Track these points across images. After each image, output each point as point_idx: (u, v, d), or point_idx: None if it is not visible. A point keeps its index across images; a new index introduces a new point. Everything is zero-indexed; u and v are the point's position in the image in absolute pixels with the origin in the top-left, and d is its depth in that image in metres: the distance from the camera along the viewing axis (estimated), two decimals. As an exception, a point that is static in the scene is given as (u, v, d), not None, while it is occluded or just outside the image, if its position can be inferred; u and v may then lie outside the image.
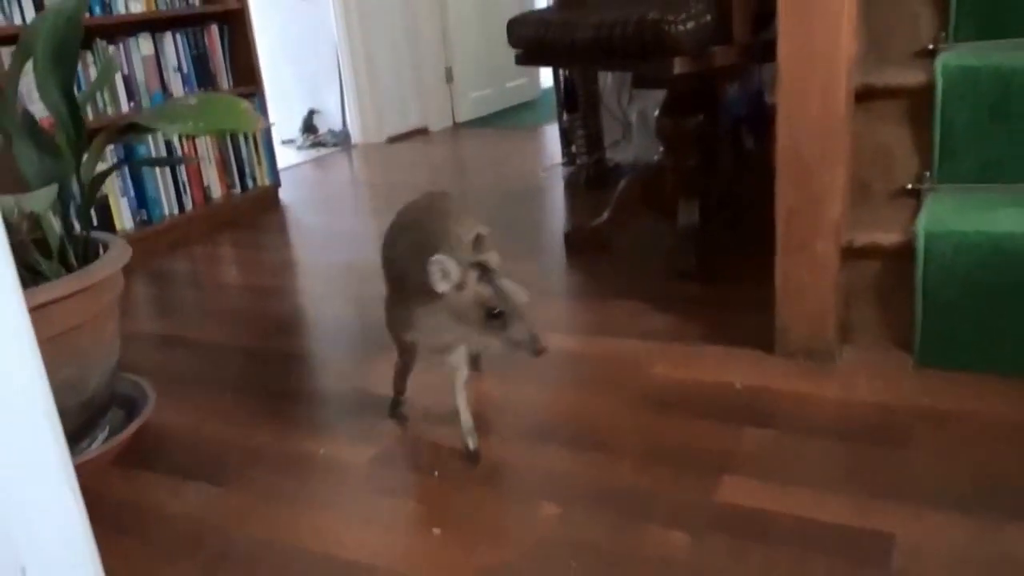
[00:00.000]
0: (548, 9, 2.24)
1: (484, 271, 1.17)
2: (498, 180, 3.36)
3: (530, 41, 2.14)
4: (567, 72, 2.84)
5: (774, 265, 1.53)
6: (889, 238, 1.50)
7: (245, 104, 1.36)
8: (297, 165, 3.98)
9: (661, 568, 1.07)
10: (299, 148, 4.35)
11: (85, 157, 1.45)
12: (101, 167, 1.56)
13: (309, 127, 4.44)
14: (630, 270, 2.16)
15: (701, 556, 1.08)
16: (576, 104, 2.84)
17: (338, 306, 2.19)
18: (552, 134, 4.10)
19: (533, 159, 3.74)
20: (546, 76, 4.98)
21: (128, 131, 1.49)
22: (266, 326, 2.07)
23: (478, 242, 1.21)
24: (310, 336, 2.07)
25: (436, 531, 1.19)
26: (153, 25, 2.96)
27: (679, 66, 1.79)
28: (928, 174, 1.59)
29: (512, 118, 4.55)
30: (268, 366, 1.83)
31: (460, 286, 1.17)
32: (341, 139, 4.31)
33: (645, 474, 1.27)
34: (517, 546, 1.14)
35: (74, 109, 1.43)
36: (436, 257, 1.14)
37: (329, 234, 2.95)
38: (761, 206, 1.56)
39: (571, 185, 2.97)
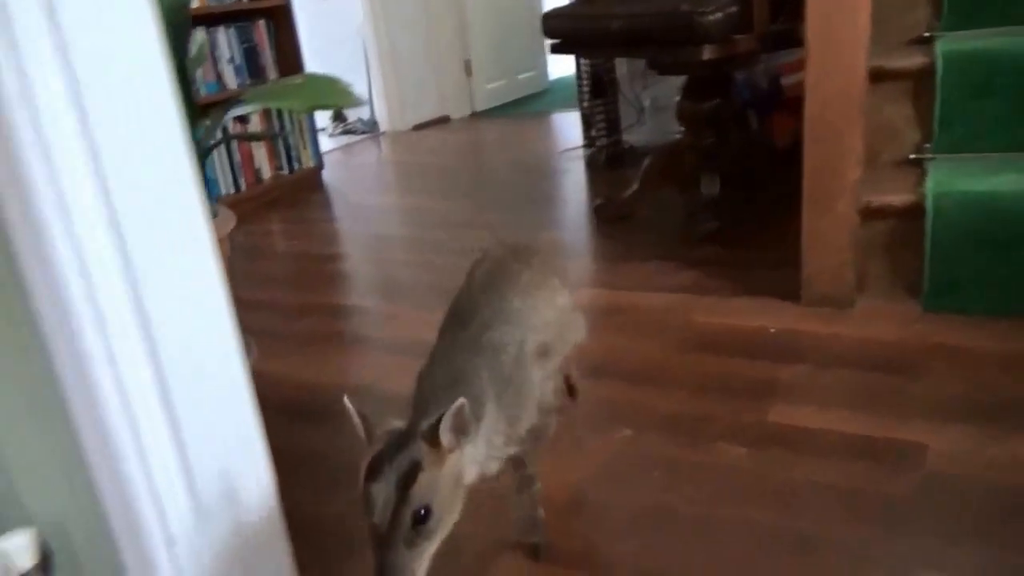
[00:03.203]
0: (578, 3, 2.30)
1: (373, 464, 0.76)
2: (520, 161, 3.42)
3: (565, 32, 2.21)
4: (587, 62, 2.90)
5: (788, 229, 1.62)
6: (900, 199, 1.59)
7: (342, 83, 1.43)
8: (330, 151, 4.03)
9: (728, 474, 1.16)
10: (330, 135, 4.39)
11: (200, 131, 1.52)
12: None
13: (339, 116, 4.48)
14: (658, 235, 2.24)
15: (760, 464, 1.17)
16: (603, 90, 2.91)
17: (386, 268, 2.27)
18: (561, 120, 4.18)
19: (548, 143, 3.81)
20: (553, 68, 5.04)
21: (234, 107, 1.55)
22: (328, 285, 2.16)
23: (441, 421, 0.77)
24: (368, 292, 2.15)
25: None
26: (206, 20, 3.00)
27: (707, 53, 1.87)
28: (928, 145, 1.68)
29: (523, 107, 4.61)
30: (336, 319, 1.92)
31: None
32: (369, 127, 4.36)
33: (700, 402, 1.36)
34: (599, 462, 1.23)
35: (187, 87, 1.49)
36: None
37: (368, 209, 3.03)
38: (768, 180, 1.64)
39: (591, 164, 3.04)
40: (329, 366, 1.66)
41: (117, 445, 0.80)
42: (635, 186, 2.30)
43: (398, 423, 0.81)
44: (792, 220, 1.66)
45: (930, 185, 1.54)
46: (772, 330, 1.57)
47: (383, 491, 0.73)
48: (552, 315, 1.06)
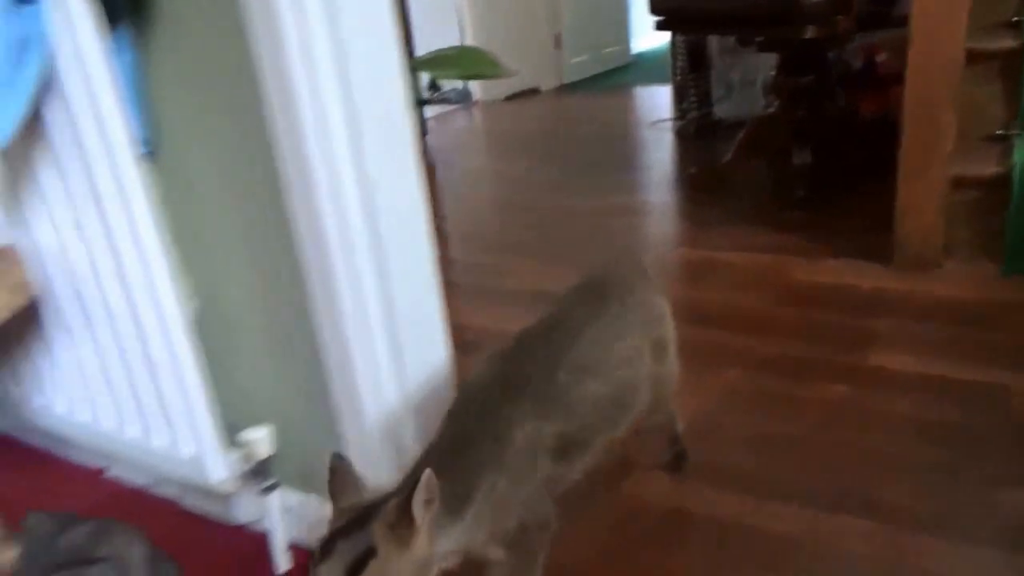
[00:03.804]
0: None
1: (326, 543, 0.70)
2: (608, 132, 3.55)
3: (671, 11, 2.32)
4: (683, 37, 3.00)
5: (876, 197, 1.72)
6: (987, 171, 1.68)
7: (491, 55, 1.58)
8: (427, 119, 4.21)
9: (830, 407, 1.31)
10: (426, 105, 4.58)
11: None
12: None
13: (434, 86, 4.65)
14: (751, 202, 2.36)
15: (859, 400, 1.32)
16: (698, 64, 3.01)
17: (488, 226, 2.44)
18: (645, 94, 4.27)
19: (635, 114, 3.92)
20: (636, 43, 5.11)
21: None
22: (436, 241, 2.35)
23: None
24: (475, 248, 2.32)
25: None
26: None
27: (809, 32, 1.97)
28: (1015, 122, 1.76)
29: (608, 81, 4.71)
30: (447, 272, 2.11)
31: None
32: (463, 97, 4.52)
33: (801, 347, 1.50)
34: (715, 396, 1.39)
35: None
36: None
37: (466, 173, 3.22)
38: (856, 151, 1.74)
39: (681, 136, 3.15)
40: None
41: (348, 346, 0.99)
42: (729, 155, 2.42)
43: (371, 490, 0.75)
44: (880, 188, 1.76)
45: (1016, 159, 1.63)
46: (865, 287, 1.69)
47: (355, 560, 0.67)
48: (606, 390, 0.90)
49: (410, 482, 0.70)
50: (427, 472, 0.68)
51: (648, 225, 2.35)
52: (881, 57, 2.42)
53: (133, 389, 1.10)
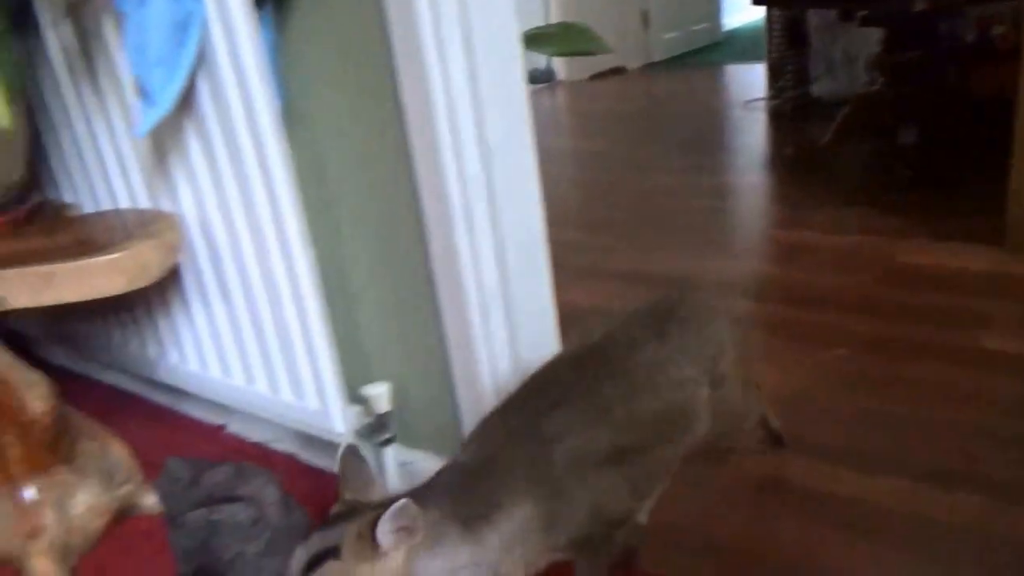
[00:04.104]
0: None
1: (312, 529, 0.75)
2: (698, 111, 3.54)
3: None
4: (780, 12, 2.97)
5: (987, 179, 1.69)
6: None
7: (592, 31, 1.62)
8: (511, 99, 4.27)
9: (939, 387, 1.31)
10: (509, 85, 4.64)
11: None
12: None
13: (518, 66, 4.71)
14: (852, 183, 2.34)
15: (968, 381, 1.32)
16: (796, 41, 2.98)
17: (576, 204, 2.49)
18: (737, 72, 4.23)
19: (726, 93, 3.89)
20: (727, 20, 5.05)
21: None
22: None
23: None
24: (567, 225, 2.37)
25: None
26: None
27: (919, 4, 1.94)
28: None
29: (697, 59, 4.67)
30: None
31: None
32: (547, 76, 4.57)
33: (910, 328, 1.50)
34: (813, 377, 1.40)
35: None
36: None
37: (552, 152, 3.26)
38: (967, 131, 1.71)
39: (777, 116, 3.12)
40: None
41: (467, 309, 1.06)
42: (828, 136, 2.39)
43: (379, 488, 0.77)
44: (990, 169, 1.73)
45: None
46: (974, 269, 1.67)
47: (296, 560, 0.70)
48: (656, 406, 0.88)
49: (422, 483, 0.75)
50: (403, 503, 0.66)
51: (742, 206, 2.36)
52: (998, 30, 2.35)
53: (263, 346, 1.20)
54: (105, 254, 0.97)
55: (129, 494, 1.24)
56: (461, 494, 0.75)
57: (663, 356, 0.89)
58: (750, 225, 2.21)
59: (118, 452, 1.24)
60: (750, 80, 3.77)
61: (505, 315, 1.10)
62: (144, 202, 1.24)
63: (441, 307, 1.09)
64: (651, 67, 4.61)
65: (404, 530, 0.68)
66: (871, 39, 2.55)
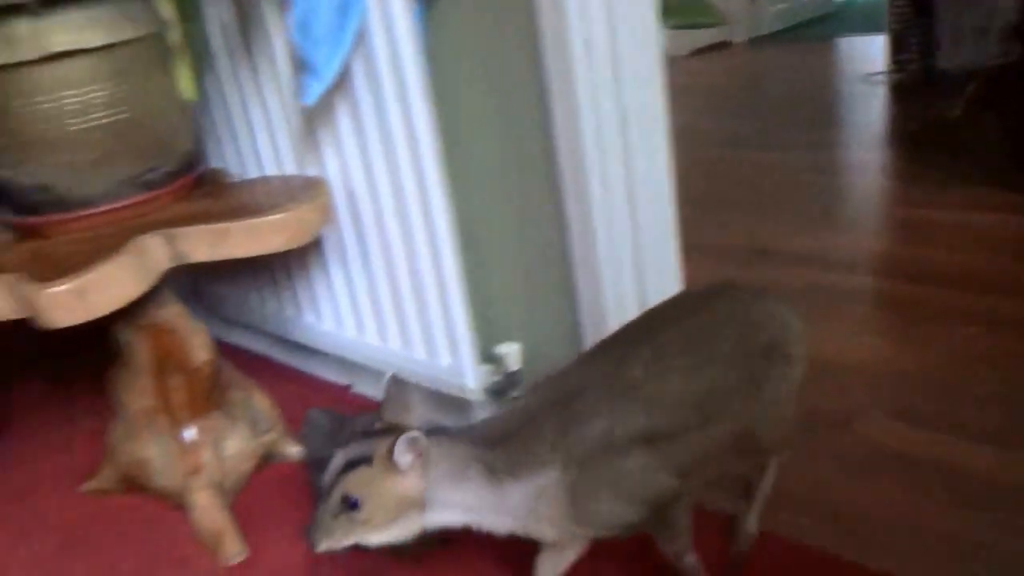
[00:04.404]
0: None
1: (351, 435, 0.87)
2: (810, 85, 3.47)
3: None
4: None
5: None
6: None
7: (709, 2, 1.64)
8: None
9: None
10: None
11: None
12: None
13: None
14: (983, 160, 2.26)
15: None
16: (923, 10, 2.89)
17: (700, 180, 2.49)
18: (851, 45, 4.10)
19: (841, 67, 3.80)
20: (842, -10, 4.89)
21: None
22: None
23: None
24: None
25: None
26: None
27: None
28: None
29: (807, 32, 4.56)
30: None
31: None
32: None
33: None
34: (941, 355, 1.40)
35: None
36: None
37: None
38: None
39: (899, 90, 3.04)
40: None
41: (599, 270, 1.12)
42: (957, 110, 2.33)
43: (418, 418, 0.85)
44: None
45: None
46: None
47: (336, 461, 0.81)
48: (693, 387, 0.87)
49: (462, 427, 0.84)
50: (411, 434, 0.77)
51: (864, 183, 2.32)
52: None
53: (398, 306, 1.30)
54: (272, 214, 1.07)
55: (272, 442, 1.36)
56: (498, 442, 0.82)
57: (700, 329, 0.89)
58: (873, 202, 2.18)
59: (262, 403, 1.37)
60: (867, 53, 3.66)
61: (635, 276, 1.15)
62: (290, 170, 1.35)
63: (573, 267, 1.15)
64: (758, 41, 4.52)
65: (420, 456, 0.78)
66: (1006, 7, 2.45)
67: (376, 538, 0.82)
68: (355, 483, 0.79)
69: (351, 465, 0.80)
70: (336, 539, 0.81)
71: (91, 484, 1.38)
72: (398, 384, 0.87)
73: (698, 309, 0.92)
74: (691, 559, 0.91)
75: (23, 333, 1.11)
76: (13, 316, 1.03)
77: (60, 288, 0.96)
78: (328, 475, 0.81)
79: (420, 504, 0.81)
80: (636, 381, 0.84)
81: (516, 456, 0.81)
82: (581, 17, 1.01)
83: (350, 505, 0.79)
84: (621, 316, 1.14)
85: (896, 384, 1.33)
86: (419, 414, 0.86)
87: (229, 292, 1.68)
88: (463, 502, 0.82)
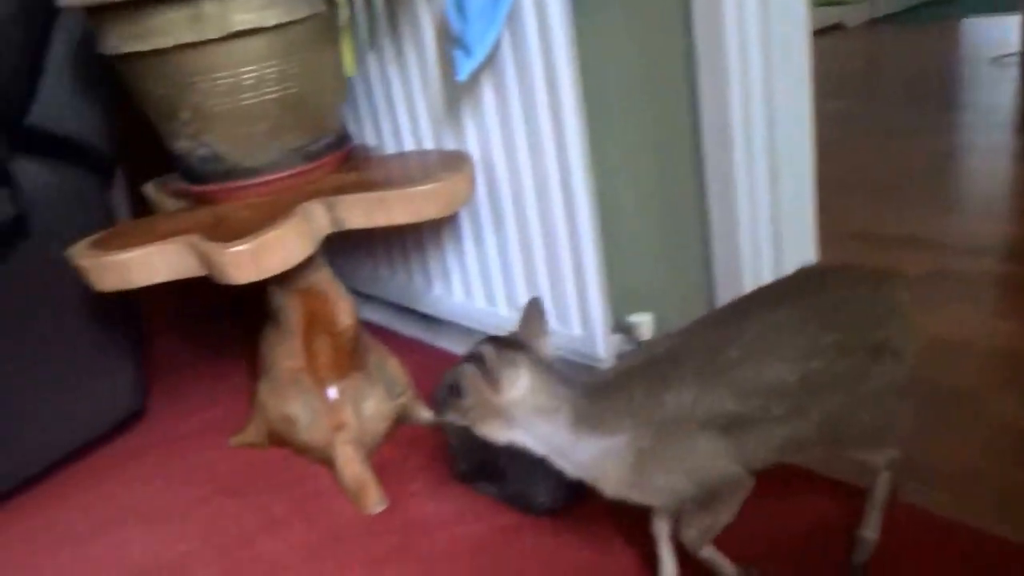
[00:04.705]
0: None
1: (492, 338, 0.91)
2: (937, 69, 3.37)
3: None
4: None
5: None
6: None
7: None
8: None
9: None
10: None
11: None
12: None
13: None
14: None
15: None
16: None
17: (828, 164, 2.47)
18: (976, 26, 3.95)
19: (967, 50, 3.67)
20: (966, -32, 4.70)
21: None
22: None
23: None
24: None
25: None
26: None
27: None
28: None
29: (928, 12, 4.41)
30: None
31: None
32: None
33: None
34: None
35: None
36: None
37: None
38: None
39: (1032, 71, 2.94)
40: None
41: (739, 244, 1.16)
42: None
43: (543, 346, 0.89)
44: None
45: None
46: None
47: (465, 353, 0.89)
48: (788, 379, 0.85)
49: (571, 372, 0.88)
50: (488, 349, 0.83)
51: (989, 167, 2.26)
52: None
53: (531, 276, 1.36)
54: (426, 184, 1.15)
55: (405, 405, 1.45)
56: (592, 395, 0.86)
57: (805, 316, 0.87)
58: (1003, 187, 2.12)
59: (395, 368, 1.46)
60: (995, 34, 3.53)
61: (773, 253, 1.19)
62: (428, 145, 1.44)
63: (712, 241, 1.19)
64: (874, 23, 4.41)
65: (510, 377, 0.83)
66: None
67: (475, 429, 0.88)
68: (463, 375, 0.85)
69: (468, 359, 0.86)
70: (442, 415, 0.90)
71: (239, 438, 1.51)
72: (537, 308, 0.91)
73: (814, 292, 0.90)
74: (708, 552, 0.93)
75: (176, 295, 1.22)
76: (195, 274, 1.14)
77: (241, 248, 1.06)
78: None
79: (505, 419, 0.86)
80: (731, 363, 0.84)
81: (600, 412, 0.85)
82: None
83: (456, 392, 0.87)
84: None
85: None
86: (545, 343, 0.90)
87: (358, 264, 1.79)
88: (543, 436, 0.86)
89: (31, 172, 1.35)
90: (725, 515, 0.89)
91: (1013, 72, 2.99)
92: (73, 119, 1.42)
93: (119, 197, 1.55)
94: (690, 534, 0.90)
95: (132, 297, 1.51)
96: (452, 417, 0.89)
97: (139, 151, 1.50)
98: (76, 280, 1.19)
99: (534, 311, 0.91)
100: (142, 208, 1.48)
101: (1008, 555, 0.97)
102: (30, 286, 1.38)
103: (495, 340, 0.88)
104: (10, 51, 1.31)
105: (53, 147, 1.41)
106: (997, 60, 3.15)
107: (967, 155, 2.34)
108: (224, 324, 2.05)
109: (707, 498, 0.87)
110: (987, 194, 2.08)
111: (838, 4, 3.32)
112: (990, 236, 1.81)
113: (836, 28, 4.39)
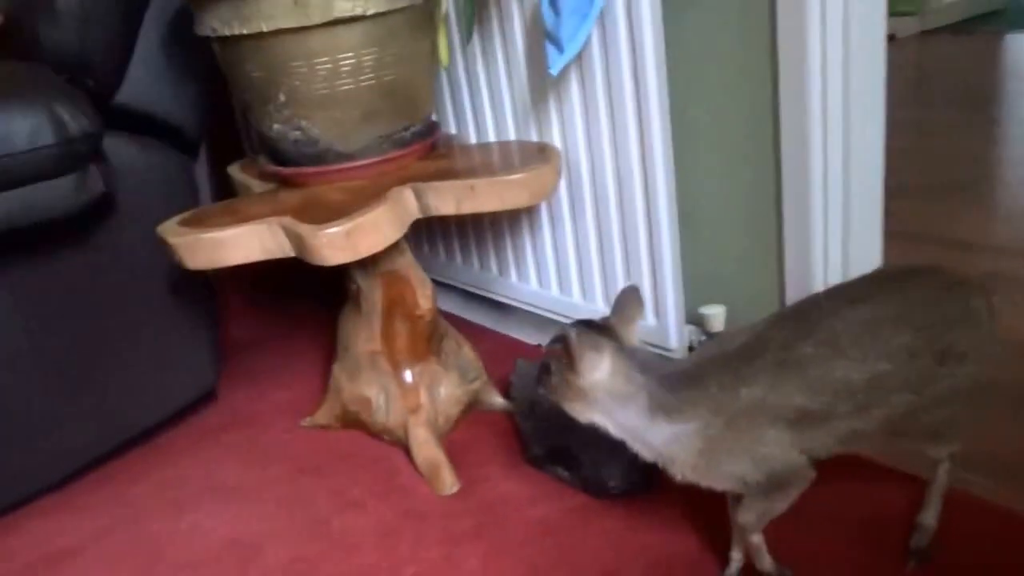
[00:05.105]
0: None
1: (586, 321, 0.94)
2: (992, 81, 3.35)
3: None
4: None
5: None
6: None
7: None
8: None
9: None
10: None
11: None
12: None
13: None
14: None
15: None
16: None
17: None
18: (1019, 43, 3.92)
19: (1016, 65, 3.64)
20: (1017, -18, 4.66)
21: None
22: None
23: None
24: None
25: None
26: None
27: None
28: None
29: (981, 26, 4.38)
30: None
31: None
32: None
33: None
34: None
35: None
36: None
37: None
38: None
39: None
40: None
41: (811, 239, 1.18)
42: None
43: (632, 334, 0.92)
44: None
45: None
46: None
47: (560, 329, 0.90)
48: (856, 377, 0.87)
49: (653, 359, 0.91)
50: (573, 332, 0.85)
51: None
52: None
53: (607, 267, 1.38)
54: (516, 173, 1.18)
55: (478, 390, 1.48)
56: (670, 383, 0.88)
57: (878, 318, 0.88)
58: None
59: (470, 354, 1.49)
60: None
61: (842, 252, 1.20)
62: (511, 136, 1.46)
63: (784, 237, 1.21)
64: (925, 35, 4.38)
65: (593, 361, 0.86)
66: None
67: (562, 406, 0.92)
68: (551, 355, 0.90)
69: (555, 340, 0.90)
70: (540, 389, 0.94)
71: (311, 419, 1.54)
72: (634, 296, 0.94)
73: (890, 293, 0.92)
74: (758, 538, 0.96)
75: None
76: (286, 254, 1.17)
77: (335, 230, 1.09)
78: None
79: (587, 400, 0.89)
80: (803, 359, 0.87)
81: (676, 401, 0.88)
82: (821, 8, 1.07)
83: (547, 369, 0.91)
84: (826, 285, 1.19)
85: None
86: (634, 330, 0.93)
87: (433, 250, 1.81)
88: (619, 420, 0.90)
89: (119, 149, 1.38)
90: (782, 504, 0.92)
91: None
92: (162, 98, 1.45)
93: (201, 177, 1.59)
94: (748, 517, 0.93)
95: (209, 278, 1.55)
96: (543, 393, 0.93)
97: (220, 132, 1.53)
98: (157, 258, 1.21)
99: (630, 298, 0.93)
100: (223, 188, 1.51)
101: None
102: (113, 263, 1.41)
103: (584, 323, 0.91)
104: (107, 30, 1.35)
105: (142, 125, 1.45)
106: (1052, 72, 3.13)
107: (1011, 166, 2.33)
108: (298, 306, 2.08)
109: (770, 486, 0.90)
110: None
111: (891, 15, 3.32)
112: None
113: (889, 39, 4.37)
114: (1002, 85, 3.31)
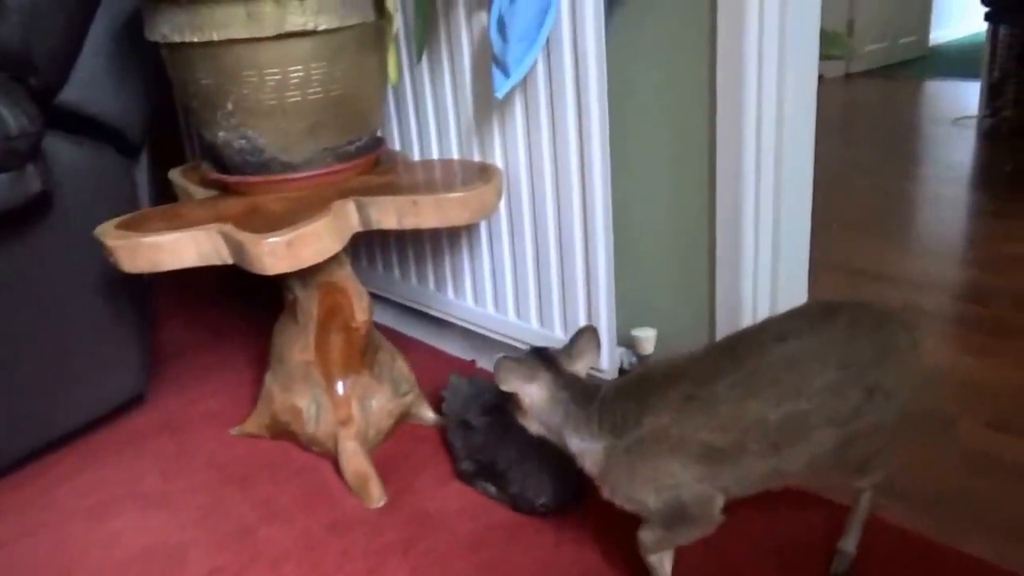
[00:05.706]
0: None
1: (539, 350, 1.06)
2: (906, 125, 3.53)
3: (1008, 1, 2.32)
4: (1010, 31, 2.93)
5: None
6: None
7: (841, 34, 1.74)
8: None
9: None
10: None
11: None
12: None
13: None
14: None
15: None
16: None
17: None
18: (940, 88, 4.15)
19: (932, 110, 3.84)
20: (936, 35, 4.93)
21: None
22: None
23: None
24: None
25: None
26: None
27: None
28: None
29: (900, 72, 4.61)
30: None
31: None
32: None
33: None
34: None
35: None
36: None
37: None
38: None
39: (990, 135, 3.09)
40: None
41: (741, 266, 1.23)
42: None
43: (578, 365, 1.03)
44: None
45: None
46: None
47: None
48: (770, 416, 0.87)
49: (580, 381, 1.01)
50: (499, 359, 0.97)
51: (959, 217, 2.39)
52: None
53: (542, 286, 1.41)
54: (458, 191, 1.19)
55: (410, 404, 1.48)
56: (588, 401, 0.97)
57: (804, 355, 0.88)
58: (970, 235, 2.24)
59: (403, 367, 1.49)
60: (957, 97, 3.72)
61: (770, 282, 1.25)
62: (454, 154, 1.48)
63: (716, 264, 1.26)
64: (849, 77, 4.59)
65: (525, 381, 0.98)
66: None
67: (524, 423, 1.03)
68: (496, 379, 0.99)
69: (506, 358, 0.99)
70: (507, 405, 1.04)
71: (241, 428, 1.52)
72: (588, 336, 1.03)
73: (818, 329, 0.90)
74: (655, 559, 1.00)
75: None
76: (225, 262, 1.16)
77: (277, 239, 1.09)
78: None
79: (527, 416, 1.01)
80: (714, 397, 0.88)
81: (586, 419, 0.96)
82: (756, 36, 1.12)
83: (506, 396, 1.01)
84: (752, 316, 1.25)
85: (985, 394, 1.40)
86: (583, 365, 1.04)
87: (370, 264, 1.81)
88: (547, 428, 1.01)
89: (59, 148, 1.36)
90: (683, 539, 0.97)
91: (971, 133, 3.16)
92: (106, 100, 1.43)
93: (141, 180, 1.56)
94: (646, 536, 0.97)
95: (143, 281, 1.52)
96: (508, 409, 1.04)
97: (162, 136, 1.51)
98: (92, 259, 1.19)
99: (585, 337, 1.03)
100: (164, 193, 1.49)
101: (972, 570, 1.04)
102: (46, 262, 1.38)
103: (536, 351, 1.04)
104: (53, 29, 1.32)
105: (84, 125, 1.42)
106: (958, 121, 3.32)
107: (927, 204, 2.47)
108: (233, 312, 2.05)
109: (674, 518, 0.93)
110: (943, 240, 2.20)
111: (825, 60, 3.49)
112: (945, 277, 1.93)
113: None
114: (920, 127, 3.50)
